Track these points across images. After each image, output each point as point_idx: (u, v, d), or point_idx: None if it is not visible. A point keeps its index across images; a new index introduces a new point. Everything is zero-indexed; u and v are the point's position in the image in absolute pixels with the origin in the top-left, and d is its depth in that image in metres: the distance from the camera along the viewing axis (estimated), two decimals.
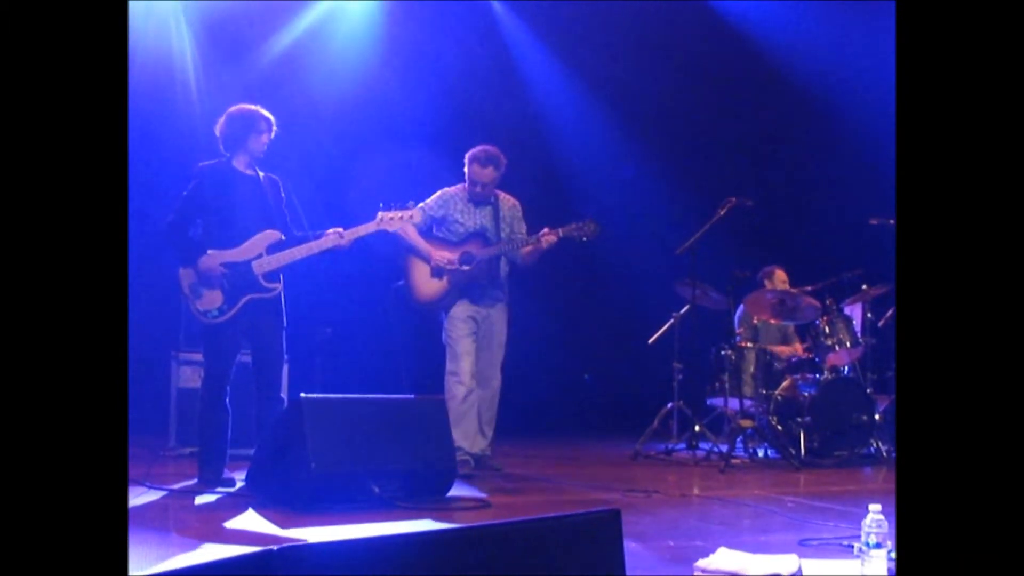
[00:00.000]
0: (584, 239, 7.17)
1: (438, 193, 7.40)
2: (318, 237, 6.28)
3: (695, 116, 11.95)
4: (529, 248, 7.23)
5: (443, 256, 7.21)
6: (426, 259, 7.23)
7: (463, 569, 2.28)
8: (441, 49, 10.95)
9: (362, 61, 10.62)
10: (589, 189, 11.66)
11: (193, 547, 4.47)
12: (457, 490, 5.94)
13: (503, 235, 7.32)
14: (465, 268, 7.18)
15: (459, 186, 7.43)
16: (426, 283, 7.27)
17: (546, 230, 7.14)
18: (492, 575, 2.32)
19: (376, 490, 5.42)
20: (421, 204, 7.06)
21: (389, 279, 7.84)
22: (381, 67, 10.65)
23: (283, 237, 6.27)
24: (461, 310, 7.26)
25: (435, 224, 7.34)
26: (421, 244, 7.22)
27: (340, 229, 6.25)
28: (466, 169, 7.35)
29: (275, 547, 1.89)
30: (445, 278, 7.22)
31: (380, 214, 6.31)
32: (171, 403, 8.00)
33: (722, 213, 8.42)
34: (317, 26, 10.59)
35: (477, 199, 7.34)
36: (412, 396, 6.05)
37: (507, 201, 7.44)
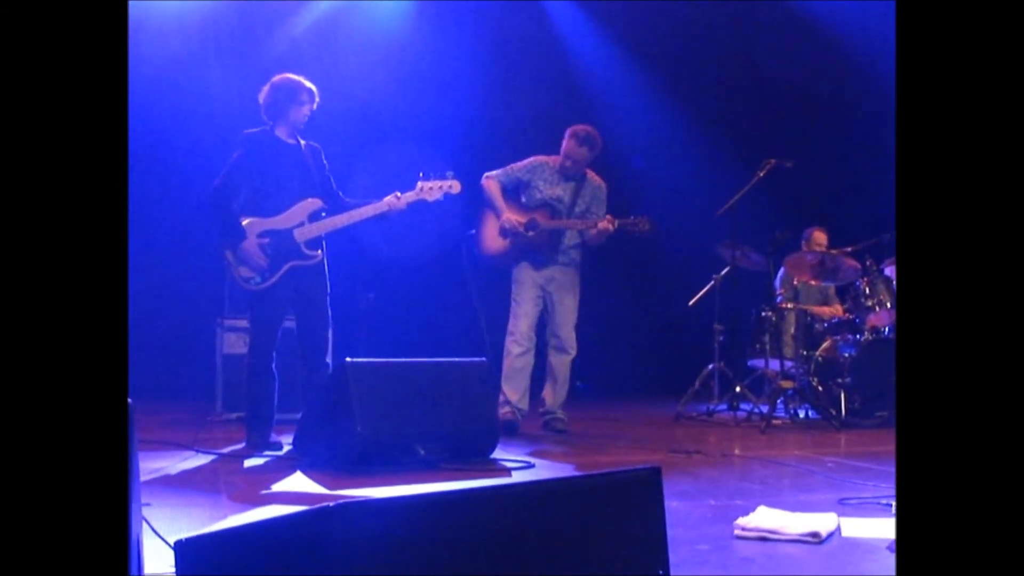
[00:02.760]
0: (637, 233, 7.32)
1: (530, 159, 7.60)
2: (359, 205, 6.37)
3: (734, 76, 11.91)
4: (594, 232, 7.34)
5: (511, 218, 7.38)
6: (498, 216, 7.39)
7: (508, 525, 2.34)
8: (477, 20, 10.96)
9: (403, 36, 10.64)
10: (628, 152, 11.66)
11: (244, 509, 4.56)
12: (500, 452, 6.02)
13: (577, 211, 7.47)
14: (529, 234, 7.33)
15: (555, 157, 7.55)
16: (492, 238, 7.52)
17: (608, 217, 7.28)
18: (536, 531, 2.38)
19: (421, 452, 5.51)
20: (519, 164, 7.38)
21: (430, 246, 7.94)
22: (421, 40, 10.66)
23: (325, 205, 6.35)
24: (525, 273, 7.45)
25: (520, 187, 7.47)
26: (499, 202, 7.41)
27: (398, 192, 6.36)
28: (564, 142, 7.55)
29: (332, 503, 1.95)
30: (508, 239, 7.38)
31: (420, 183, 6.40)
32: (217, 369, 8.11)
33: (762, 174, 8.42)
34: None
35: (566, 173, 7.54)
36: (456, 359, 6.12)
37: (594, 181, 7.56)
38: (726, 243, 8.84)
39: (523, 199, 7.55)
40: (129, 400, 2.55)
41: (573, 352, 7.48)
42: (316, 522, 2.01)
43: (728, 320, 9.02)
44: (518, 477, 5.48)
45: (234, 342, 7.98)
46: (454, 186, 6.52)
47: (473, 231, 7.63)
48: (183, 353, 9.30)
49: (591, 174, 7.62)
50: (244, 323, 7.33)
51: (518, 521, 2.37)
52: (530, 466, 5.75)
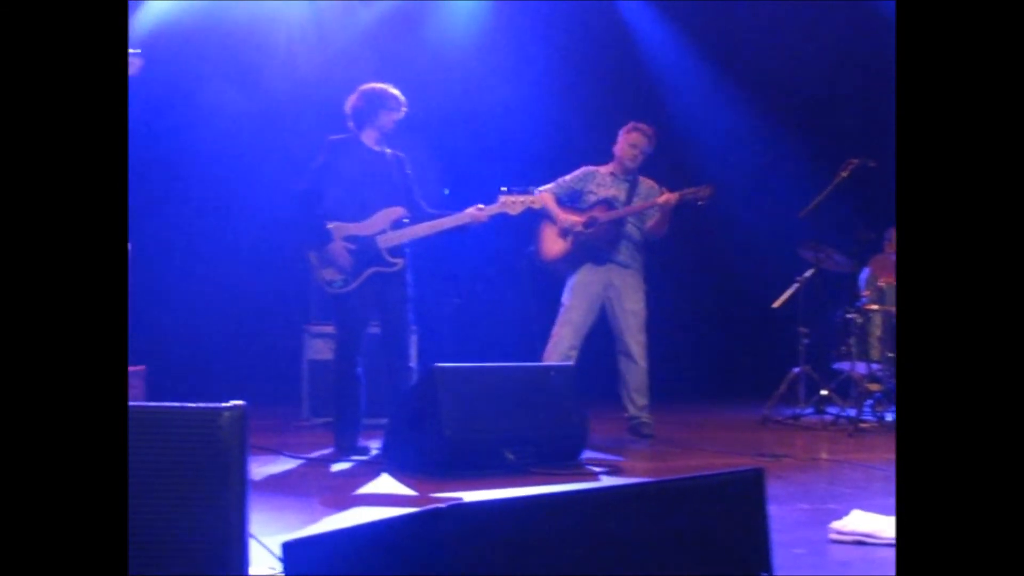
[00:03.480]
0: (700, 202, 7.23)
1: (580, 169, 7.56)
2: (441, 215, 6.43)
3: (813, 74, 11.80)
4: (654, 220, 7.30)
5: (569, 218, 7.36)
6: (555, 222, 7.38)
7: (615, 526, 2.35)
8: (548, 24, 10.96)
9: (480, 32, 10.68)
10: (708, 154, 11.60)
11: (335, 512, 4.61)
12: (587, 456, 6.02)
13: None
14: (589, 230, 7.29)
15: (605, 166, 7.55)
16: (552, 243, 7.46)
17: (665, 191, 7.22)
18: (642, 532, 2.38)
19: (509, 456, 5.53)
20: (568, 177, 7.21)
21: (514, 252, 7.96)
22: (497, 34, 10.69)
23: (408, 213, 6.41)
24: (581, 278, 7.37)
25: (574, 196, 7.46)
26: (554, 209, 7.37)
27: (480, 205, 6.41)
28: (618, 142, 7.54)
29: (442, 505, 1.97)
30: (569, 238, 7.36)
31: (502, 198, 6.44)
32: (303, 375, 8.18)
33: (844, 175, 8.33)
34: None
35: (619, 175, 7.45)
36: (543, 364, 6.13)
37: (647, 182, 7.52)
38: (809, 244, 8.76)
39: (579, 207, 7.51)
40: (243, 403, 2.58)
41: (641, 359, 7.33)
42: (427, 523, 2.03)
43: (813, 323, 8.93)
44: (606, 481, 5.48)
45: (320, 348, 8.04)
46: (536, 202, 6.56)
47: (532, 247, 7.60)
48: (270, 359, 9.38)
49: (644, 178, 7.57)
50: (330, 329, 7.39)
51: (625, 522, 2.37)
52: (617, 469, 5.74)
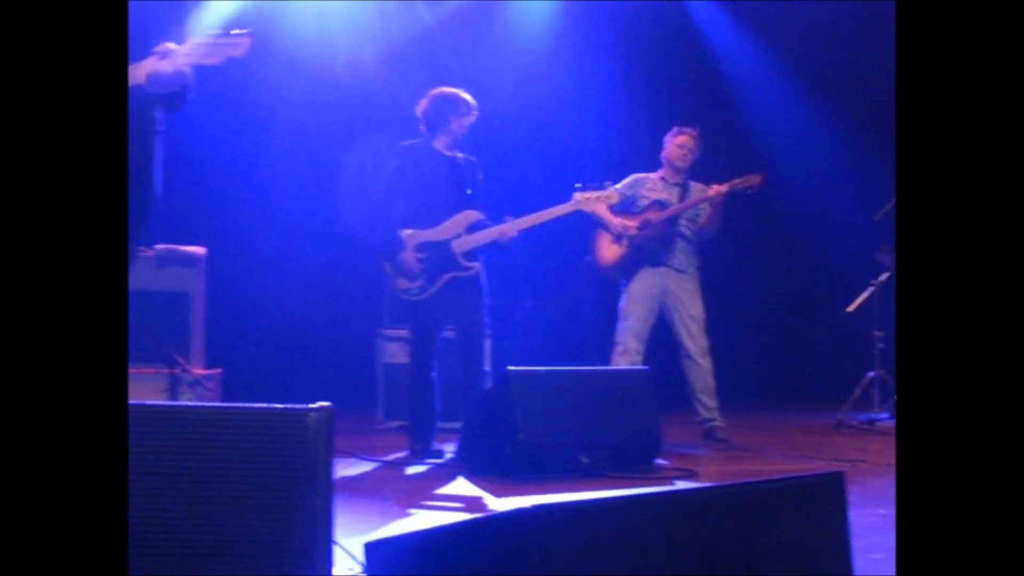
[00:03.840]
0: (750, 191, 7.21)
1: (631, 176, 7.54)
2: (515, 217, 6.46)
3: (890, 75, 11.67)
4: (706, 216, 7.29)
5: (622, 222, 7.35)
6: (608, 228, 7.38)
7: (698, 528, 2.36)
8: (617, 23, 10.94)
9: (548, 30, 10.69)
10: (779, 156, 11.51)
11: (412, 515, 4.65)
12: (660, 460, 6.02)
13: (687, 213, 7.40)
14: (643, 232, 7.29)
15: (655, 172, 7.55)
16: (608, 249, 7.45)
17: (713, 185, 7.21)
18: (724, 535, 2.39)
19: (584, 460, 5.54)
20: (616, 185, 7.20)
21: (582, 256, 7.97)
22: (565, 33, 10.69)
23: (482, 217, 6.44)
24: (638, 284, 7.36)
25: (626, 204, 7.45)
26: (606, 215, 7.36)
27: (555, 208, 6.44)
28: (665, 146, 7.53)
29: (527, 506, 1.99)
30: (624, 241, 7.35)
31: (576, 195, 6.45)
32: (378, 378, 8.23)
33: None
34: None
35: (669, 179, 7.45)
36: (617, 367, 6.13)
37: (697, 185, 7.50)
38: (884, 248, 8.68)
39: (632, 212, 7.50)
40: (328, 404, 2.61)
41: (704, 362, 7.29)
42: (508, 524, 2.05)
43: (888, 326, 8.84)
44: (681, 486, 5.47)
45: (395, 352, 8.09)
46: (611, 196, 6.56)
47: (588, 257, 7.62)
48: (344, 363, 9.47)
49: (694, 183, 7.55)
50: (404, 333, 7.44)
51: (703, 526, 2.38)
52: (692, 474, 5.73)
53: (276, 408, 2.66)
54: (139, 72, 3.64)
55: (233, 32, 3.62)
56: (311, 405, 2.65)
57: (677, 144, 7.48)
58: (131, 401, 2.80)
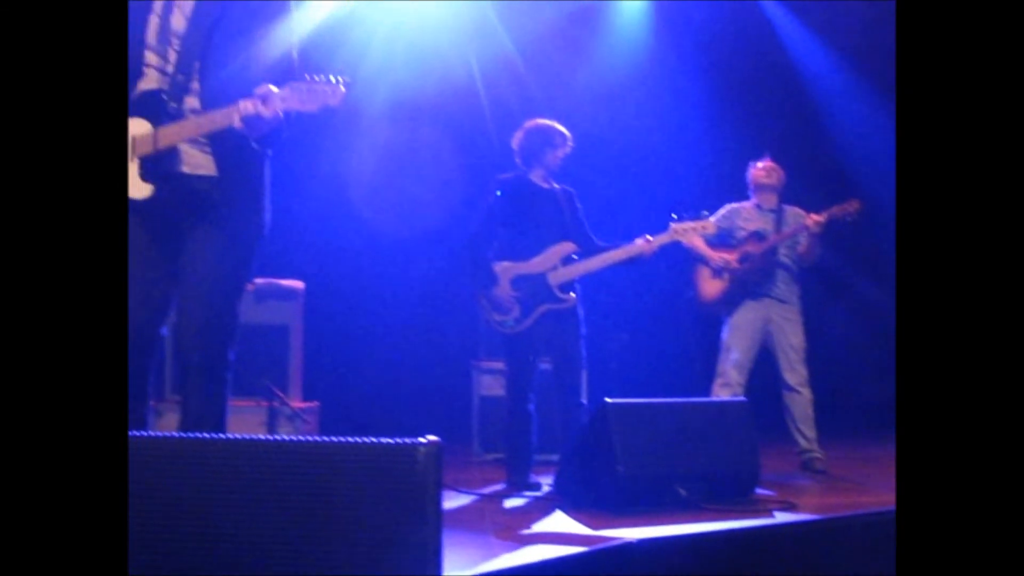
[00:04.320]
0: (848, 218, 7.16)
1: (725, 207, 7.55)
2: (611, 248, 6.46)
3: None
4: (804, 245, 7.25)
5: (722, 256, 7.35)
6: (707, 262, 7.38)
7: (786, 563, 2.35)
8: (706, 49, 10.90)
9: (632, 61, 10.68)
10: (867, 179, 11.37)
11: (511, 548, 4.64)
12: (759, 491, 5.96)
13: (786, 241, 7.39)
14: (744, 265, 7.27)
15: (748, 201, 7.56)
16: (708, 284, 7.48)
17: (812, 215, 7.16)
18: (810, 571, 2.38)
19: (682, 492, 5.51)
20: (712, 217, 7.20)
21: (679, 286, 7.95)
22: (652, 67, 10.67)
23: (578, 249, 6.46)
24: (740, 316, 7.37)
25: (722, 236, 7.44)
26: (705, 250, 7.37)
27: (648, 236, 6.42)
28: (751, 176, 7.60)
29: (633, 539, 2.00)
30: (725, 276, 7.35)
31: (673, 225, 6.44)
32: (473, 411, 8.26)
33: None
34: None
35: (764, 206, 7.46)
36: (714, 399, 6.10)
37: (792, 210, 7.46)
38: None
39: (730, 244, 7.49)
40: (436, 438, 2.63)
41: (804, 392, 7.27)
42: (617, 557, 2.05)
43: None
44: (780, 518, 5.42)
45: (490, 384, 8.12)
46: (708, 227, 6.54)
47: (690, 293, 7.62)
48: (440, 395, 9.50)
49: (789, 208, 7.53)
50: (500, 365, 7.46)
51: (798, 559, 2.37)
52: (791, 505, 5.67)
53: (385, 442, 2.68)
54: (234, 114, 3.67)
55: (332, 79, 3.64)
56: (420, 439, 2.67)
57: (762, 169, 7.53)
58: (234, 435, 2.86)
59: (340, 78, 3.65)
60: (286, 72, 3.92)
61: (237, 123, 3.67)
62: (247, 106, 3.65)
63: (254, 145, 3.89)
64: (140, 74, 3.86)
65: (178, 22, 3.89)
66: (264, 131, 3.77)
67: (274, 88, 3.65)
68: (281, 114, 3.68)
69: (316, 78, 3.64)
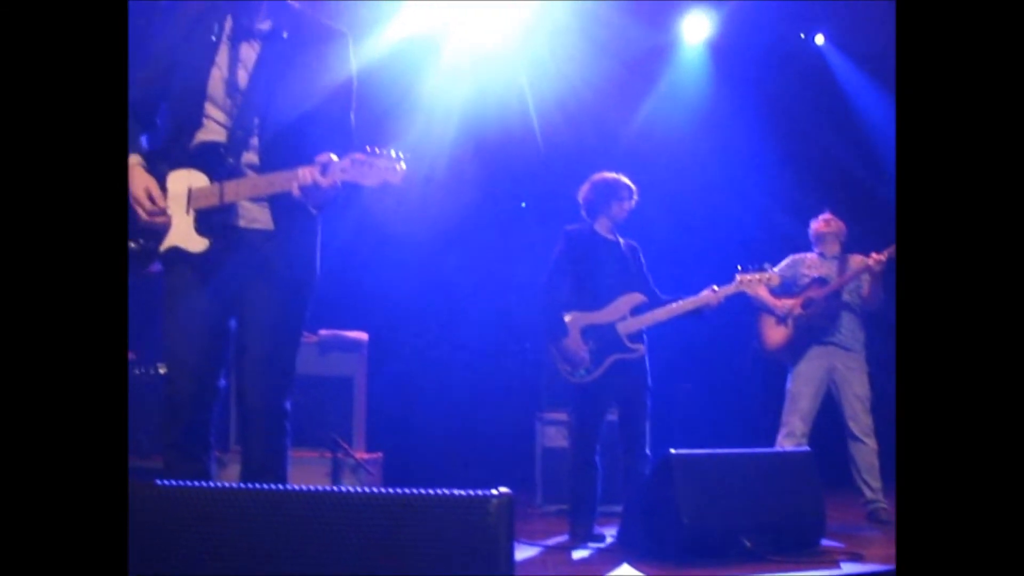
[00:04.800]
0: None
1: (788, 258, 7.62)
2: (677, 299, 6.50)
3: None
4: (867, 287, 7.24)
5: (786, 303, 7.38)
6: (771, 311, 7.40)
7: None
8: (765, 83, 10.89)
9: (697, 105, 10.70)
10: None
11: None
12: (825, 543, 5.93)
13: (850, 286, 7.38)
14: (808, 310, 7.28)
15: (809, 253, 7.60)
16: (773, 332, 7.50)
17: (873, 254, 7.15)
18: None
19: (747, 544, 5.49)
20: (775, 268, 7.22)
21: (742, 336, 7.95)
22: (713, 111, 10.67)
23: (646, 299, 6.51)
24: (805, 365, 7.37)
25: (785, 285, 7.45)
26: (768, 298, 7.40)
27: (715, 287, 6.46)
28: (813, 229, 7.68)
29: None
30: (789, 322, 7.37)
31: (739, 276, 6.48)
32: (536, 462, 8.27)
33: None
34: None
35: (827, 255, 7.52)
36: (778, 449, 6.08)
37: (855, 258, 7.46)
38: None
39: (791, 292, 7.50)
40: (508, 491, 2.66)
41: (869, 442, 7.22)
42: None
43: None
44: (846, 569, 5.39)
45: (553, 435, 8.14)
46: (773, 278, 6.57)
47: (755, 343, 7.62)
48: (502, 446, 9.50)
49: (850, 255, 7.52)
50: (563, 416, 7.50)
51: None
52: (858, 556, 5.63)
53: (457, 494, 2.71)
54: (292, 182, 3.68)
55: (392, 154, 3.62)
56: (492, 491, 2.70)
57: (822, 221, 7.61)
58: (299, 486, 2.90)
59: (401, 154, 3.63)
60: (345, 135, 3.96)
61: (295, 191, 3.68)
62: (305, 175, 3.66)
63: (312, 210, 3.90)
64: (199, 125, 3.88)
65: (241, 77, 3.91)
66: (321, 200, 3.78)
67: (334, 157, 3.66)
68: (339, 184, 3.67)
69: (377, 151, 3.63)
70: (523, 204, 6.21)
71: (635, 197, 6.63)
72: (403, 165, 3.61)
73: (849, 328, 7.38)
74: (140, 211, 3.79)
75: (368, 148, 3.64)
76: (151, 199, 3.79)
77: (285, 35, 3.94)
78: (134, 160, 3.87)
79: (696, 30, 10.37)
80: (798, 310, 7.37)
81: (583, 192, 6.67)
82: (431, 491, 2.73)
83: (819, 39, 10.70)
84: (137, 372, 7.35)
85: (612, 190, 6.60)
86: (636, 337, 6.47)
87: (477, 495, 2.70)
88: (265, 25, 3.95)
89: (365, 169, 3.61)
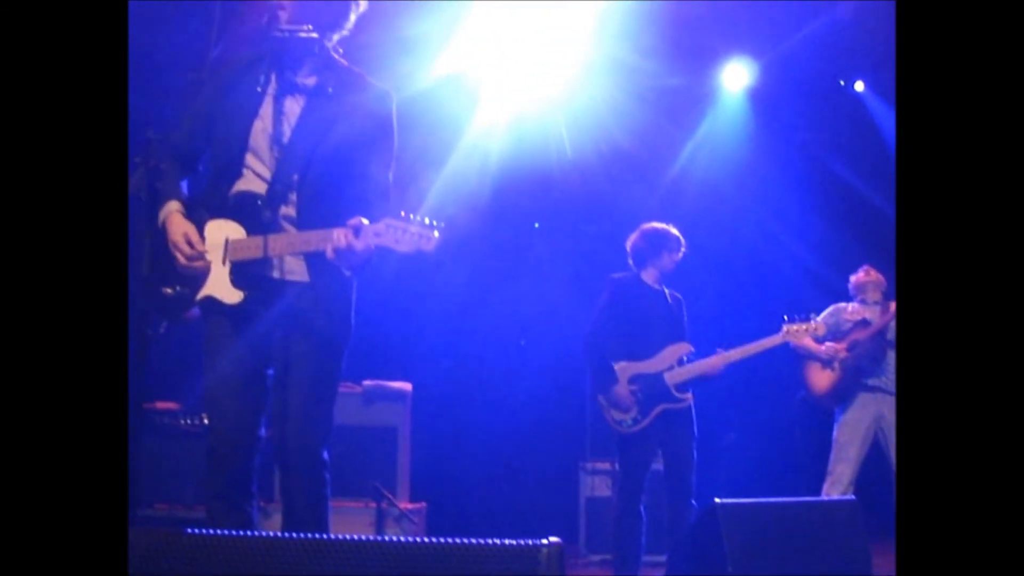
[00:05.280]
0: None
1: (831, 307, 7.62)
2: (723, 350, 6.51)
3: None
4: None
5: (831, 347, 7.37)
6: (817, 357, 7.38)
7: None
8: (805, 131, 10.89)
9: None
10: None
11: None
12: None
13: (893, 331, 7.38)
14: (853, 353, 7.26)
15: (851, 302, 7.61)
16: (819, 377, 7.49)
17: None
18: None
19: None
20: (819, 317, 7.21)
21: (787, 384, 7.93)
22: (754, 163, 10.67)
23: (693, 349, 6.52)
24: (852, 414, 7.35)
25: (829, 332, 7.43)
26: (812, 346, 7.38)
27: (763, 340, 6.50)
28: (853, 283, 7.75)
29: None
30: (835, 365, 7.35)
31: (785, 327, 6.50)
32: (580, 511, 8.27)
33: None
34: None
35: (869, 300, 7.55)
36: (825, 498, 6.04)
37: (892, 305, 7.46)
38: None
39: (835, 339, 7.48)
40: (558, 540, 2.66)
41: None
42: None
43: None
44: None
45: (597, 485, 8.14)
46: (819, 328, 6.60)
47: (802, 393, 7.60)
48: (545, 495, 9.50)
49: (892, 302, 7.51)
50: (607, 466, 7.49)
51: None
52: None
53: (507, 543, 2.70)
54: (326, 244, 3.68)
55: (427, 221, 3.60)
56: (542, 540, 2.69)
57: (863, 272, 7.67)
58: (343, 535, 2.90)
59: (435, 222, 3.61)
60: (383, 194, 3.96)
61: (329, 252, 3.67)
62: (340, 237, 3.65)
63: (346, 272, 3.89)
64: (238, 174, 3.90)
65: (284, 131, 3.91)
66: (354, 263, 3.75)
67: (365, 221, 3.65)
68: (373, 247, 3.65)
69: (412, 217, 3.61)
70: (536, 224, 6.18)
71: (683, 248, 6.65)
72: (437, 234, 3.60)
73: (895, 368, 7.35)
74: (179, 256, 3.80)
75: (403, 213, 3.63)
76: (190, 244, 3.81)
77: (330, 91, 3.95)
78: (174, 206, 3.89)
79: (736, 79, 10.38)
80: (843, 353, 7.35)
81: (631, 241, 6.70)
82: (480, 541, 2.73)
83: (859, 86, 10.68)
84: (183, 423, 7.41)
85: (662, 240, 6.63)
86: (684, 387, 6.48)
87: (527, 544, 2.69)
88: (310, 80, 3.98)
89: (399, 235, 3.60)
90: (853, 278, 7.69)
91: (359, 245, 3.63)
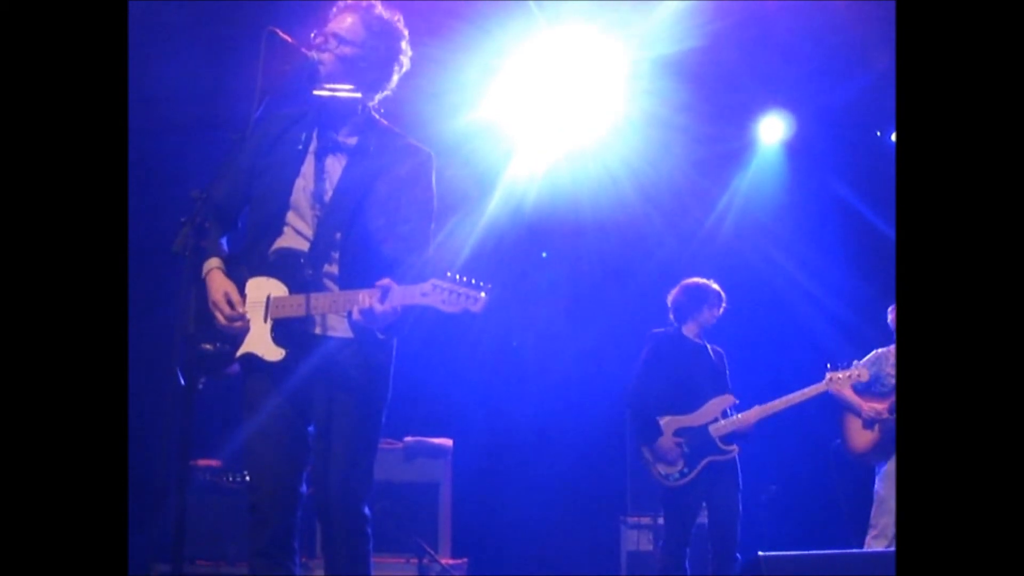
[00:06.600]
0: None
1: (872, 353, 7.53)
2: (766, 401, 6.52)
3: None
4: None
5: (873, 407, 7.27)
6: (858, 412, 7.31)
7: None
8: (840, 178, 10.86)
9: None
10: None
11: None
12: None
13: None
14: (894, 415, 7.21)
15: (892, 347, 7.54)
16: (859, 435, 7.39)
17: None
18: None
19: None
20: (861, 363, 7.17)
21: (827, 435, 7.89)
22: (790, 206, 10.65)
23: (737, 401, 6.53)
24: (894, 467, 7.25)
25: (870, 381, 7.39)
26: (854, 399, 7.32)
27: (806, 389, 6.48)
28: (890, 323, 7.57)
29: None
30: (876, 427, 7.26)
31: (829, 374, 6.49)
32: (621, 566, 8.23)
33: None
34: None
35: None
36: (870, 551, 6.00)
37: None
38: None
39: (876, 391, 7.42)
40: None
41: None
42: None
43: None
44: None
45: (638, 539, 8.10)
46: (862, 375, 6.60)
47: (838, 440, 7.55)
48: (587, 550, 9.45)
49: None
50: (648, 520, 7.46)
51: None
52: None
53: None
54: (353, 306, 3.67)
55: (474, 282, 3.58)
56: None
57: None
58: None
59: (483, 283, 3.59)
60: (423, 253, 3.93)
61: (355, 315, 3.67)
62: (365, 300, 3.64)
63: (379, 335, 3.82)
64: (279, 232, 3.90)
65: (326, 189, 3.93)
66: (379, 325, 3.70)
67: (394, 284, 3.62)
68: (399, 309, 3.61)
69: (460, 279, 3.58)
70: (544, 254, 6.16)
71: (724, 304, 6.69)
72: (484, 295, 3.58)
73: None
74: (219, 316, 3.81)
75: (449, 274, 3.60)
76: (230, 304, 3.82)
77: (372, 150, 3.98)
78: (214, 263, 3.91)
79: (772, 131, 10.37)
80: (885, 415, 7.28)
81: (673, 296, 6.74)
82: None
83: (895, 137, 10.65)
84: (226, 479, 7.45)
85: (703, 295, 6.69)
86: (729, 438, 6.48)
87: None
88: (352, 140, 4.00)
89: (446, 295, 3.57)
90: (890, 315, 7.51)
91: (382, 308, 3.60)
